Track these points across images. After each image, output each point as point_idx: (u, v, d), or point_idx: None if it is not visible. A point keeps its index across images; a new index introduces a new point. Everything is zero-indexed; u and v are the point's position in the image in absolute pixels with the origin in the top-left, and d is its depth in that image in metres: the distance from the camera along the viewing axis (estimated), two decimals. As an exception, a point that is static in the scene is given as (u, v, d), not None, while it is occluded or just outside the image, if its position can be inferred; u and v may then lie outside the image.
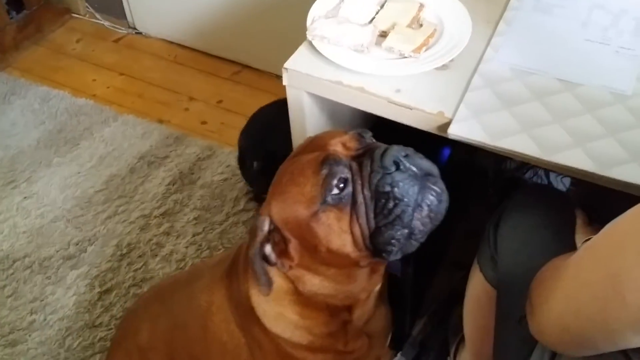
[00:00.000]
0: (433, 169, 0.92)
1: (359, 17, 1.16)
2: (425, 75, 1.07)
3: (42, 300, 1.74)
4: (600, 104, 1.03)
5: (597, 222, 1.09)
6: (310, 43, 1.12)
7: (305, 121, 1.19)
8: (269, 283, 0.95)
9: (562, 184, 1.74)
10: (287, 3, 2.10)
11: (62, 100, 2.34)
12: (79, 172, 2.07)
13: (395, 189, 0.87)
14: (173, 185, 2.01)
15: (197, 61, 2.48)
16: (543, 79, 1.07)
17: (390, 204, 0.87)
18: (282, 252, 0.94)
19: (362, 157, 0.90)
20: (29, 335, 1.67)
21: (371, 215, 0.88)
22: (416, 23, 1.15)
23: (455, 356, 1.47)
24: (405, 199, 0.87)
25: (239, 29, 2.33)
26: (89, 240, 1.88)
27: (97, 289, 1.76)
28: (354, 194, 0.88)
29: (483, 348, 1.21)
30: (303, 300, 1.01)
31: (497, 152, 0.99)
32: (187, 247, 1.84)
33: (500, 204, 1.18)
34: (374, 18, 1.16)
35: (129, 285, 1.76)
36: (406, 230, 0.89)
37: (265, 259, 0.93)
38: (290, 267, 0.96)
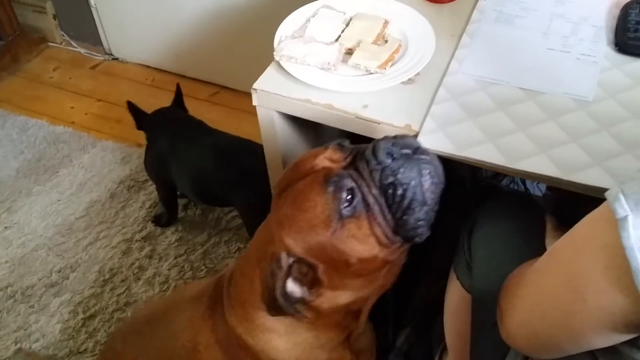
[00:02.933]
0: (415, 142, 0.94)
1: (324, 36, 1.18)
2: (392, 90, 1.10)
3: (25, 330, 1.74)
4: (563, 110, 1.05)
5: (568, 226, 1.11)
6: (278, 63, 1.14)
7: (277, 140, 1.21)
8: (302, 316, 0.95)
9: (538, 189, 1.77)
10: (261, 24, 2.12)
11: (41, 129, 2.34)
12: (59, 200, 2.07)
13: (399, 176, 0.89)
14: (154, 208, 2.02)
15: (174, 84, 2.48)
16: (506, 88, 1.09)
17: (400, 192, 0.89)
18: (313, 280, 0.93)
19: (354, 163, 0.92)
20: (14, 366, 1.66)
21: (386, 210, 0.90)
22: (381, 39, 1.17)
23: (439, 364, 1.49)
24: (412, 182, 0.89)
25: (214, 51, 2.35)
26: (71, 267, 1.88)
27: (81, 315, 1.76)
28: (364, 199, 0.89)
29: (464, 354, 1.23)
30: (320, 321, 1.00)
31: (465, 162, 1.02)
32: (169, 270, 1.85)
33: (474, 212, 1.20)
34: (339, 36, 1.19)
35: (112, 310, 1.76)
36: (425, 207, 0.92)
37: (287, 296, 0.92)
38: (320, 294, 0.95)
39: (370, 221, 0.90)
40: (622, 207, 0.60)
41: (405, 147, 0.91)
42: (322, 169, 0.92)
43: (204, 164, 1.72)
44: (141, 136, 2.27)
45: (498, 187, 1.80)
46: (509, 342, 0.83)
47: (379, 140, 0.92)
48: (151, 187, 2.06)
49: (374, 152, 0.90)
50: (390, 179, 0.89)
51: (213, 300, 1.07)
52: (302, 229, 0.90)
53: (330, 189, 0.88)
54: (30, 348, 1.69)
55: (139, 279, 1.83)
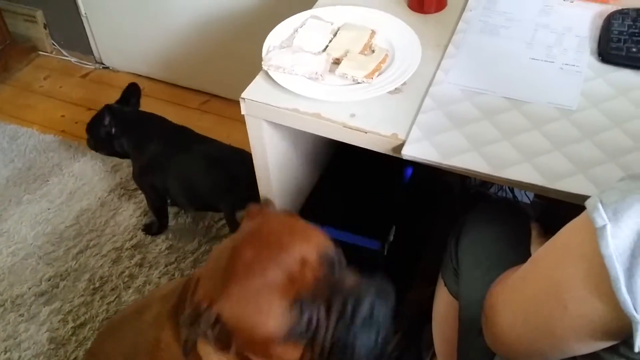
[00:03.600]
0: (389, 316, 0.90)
1: (312, 46, 1.19)
2: (379, 99, 1.11)
3: (15, 339, 1.74)
4: (547, 119, 1.07)
5: (553, 233, 1.12)
6: (267, 72, 1.15)
7: (266, 148, 1.22)
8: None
9: (526, 196, 1.79)
10: (250, 33, 2.14)
11: (31, 138, 2.35)
12: (49, 209, 2.07)
13: (357, 342, 0.86)
14: (144, 216, 2.03)
15: (165, 93, 2.50)
16: (491, 98, 1.11)
17: (347, 354, 0.86)
18: (223, 345, 0.90)
19: (331, 296, 0.86)
20: (3, 375, 1.66)
21: (325, 354, 0.87)
22: (368, 49, 1.19)
23: (428, 371, 1.50)
24: (363, 350, 0.86)
25: (205, 60, 2.37)
26: (60, 275, 1.88)
27: (71, 324, 1.76)
28: (314, 336, 0.86)
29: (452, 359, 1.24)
30: None
31: (450, 170, 1.03)
32: (160, 278, 1.85)
33: (461, 219, 1.22)
34: (327, 46, 1.20)
35: (102, 318, 1.76)
36: None
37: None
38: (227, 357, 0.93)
39: (305, 351, 0.87)
40: (601, 216, 0.61)
41: (381, 316, 0.87)
42: (301, 284, 0.85)
43: (194, 170, 1.75)
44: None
45: (486, 195, 1.82)
46: (494, 348, 0.84)
47: (365, 295, 0.86)
48: (141, 196, 2.07)
49: (354, 309, 0.85)
50: (349, 341, 0.85)
51: (179, 300, 1.06)
52: (244, 314, 0.85)
53: (295, 313, 0.83)
54: (20, 357, 1.69)
55: (129, 287, 1.83)
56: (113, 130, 1.85)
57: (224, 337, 0.87)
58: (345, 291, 0.86)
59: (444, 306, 1.30)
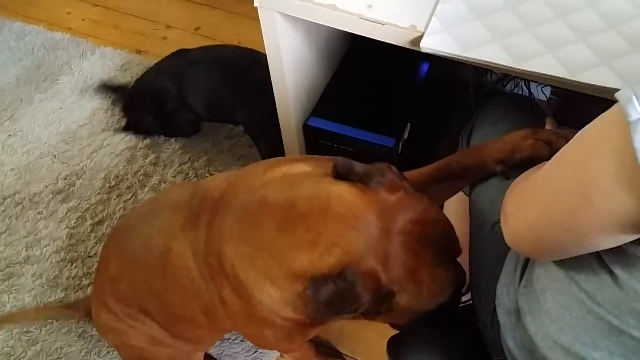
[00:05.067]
0: None
1: None
2: (397, -11, 1.07)
3: (35, 235, 1.78)
4: (571, 9, 1.03)
5: (567, 127, 1.11)
6: (280, -38, 1.11)
7: (280, 45, 1.19)
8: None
9: (543, 94, 1.75)
10: None
11: (38, 36, 2.30)
12: (60, 108, 2.07)
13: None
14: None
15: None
16: (514, -13, 1.06)
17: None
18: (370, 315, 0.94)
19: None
20: (26, 269, 1.71)
21: None
22: None
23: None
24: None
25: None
26: (76, 174, 1.90)
27: (89, 221, 1.79)
28: None
29: (464, 256, 1.26)
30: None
31: (470, 63, 1.00)
32: (174, 177, 1.86)
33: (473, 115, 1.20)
34: None
35: (119, 216, 1.79)
36: None
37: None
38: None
39: None
40: (635, 109, 0.60)
41: None
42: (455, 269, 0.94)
43: (209, 79, 1.74)
44: (141, 43, 2.25)
45: (501, 92, 1.79)
46: (513, 246, 0.84)
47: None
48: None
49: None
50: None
51: (195, 214, 1.05)
52: (423, 298, 0.90)
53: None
54: (41, 253, 1.74)
55: (145, 185, 1.85)
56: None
57: (382, 310, 0.91)
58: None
59: (454, 202, 1.30)
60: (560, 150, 0.74)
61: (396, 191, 0.89)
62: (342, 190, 0.90)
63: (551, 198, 0.73)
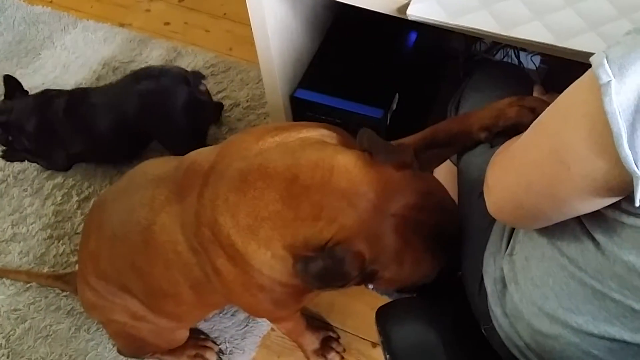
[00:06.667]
0: None
1: None
2: (382, -46, 1.05)
3: (21, 213, 1.76)
4: (560, -26, 1.01)
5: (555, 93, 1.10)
6: None
7: (265, 14, 1.18)
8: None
9: (532, 62, 1.75)
10: None
11: (18, 10, 2.26)
12: (43, 83, 2.03)
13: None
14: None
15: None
16: (502, -49, 1.04)
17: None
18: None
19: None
20: (12, 246, 1.70)
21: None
22: None
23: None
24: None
25: None
26: (61, 151, 1.87)
27: (75, 198, 1.77)
28: None
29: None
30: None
31: (458, 30, 0.99)
32: (161, 153, 1.84)
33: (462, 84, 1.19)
34: None
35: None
36: None
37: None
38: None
39: None
40: (606, 72, 0.59)
41: None
42: (449, 246, 0.96)
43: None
44: (124, 15, 2.21)
45: (491, 61, 1.78)
46: (496, 215, 0.84)
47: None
48: (137, 68, 2.02)
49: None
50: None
51: (182, 187, 1.04)
52: (408, 272, 0.91)
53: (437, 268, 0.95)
54: (27, 230, 1.72)
55: (131, 162, 1.83)
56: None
57: (366, 283, 0.93)
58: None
59: (443, 172, 1.30)
60: (538, 118, 0.74)
61: (402, 169, 0.90)
62: (348, 162, 0.90)
63: (530, 165, 0.74)
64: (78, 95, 1.75)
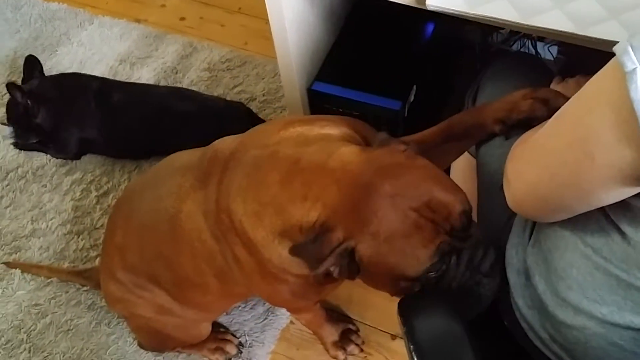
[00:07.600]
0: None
1: None
2: (400, -55, 1.04)
3: (40, 208, 1.77)
4: (580, -38, 1.00)
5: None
6: None
7: (282, 6, 1.17)
8: None
9: (549, 53, 1.73)
10: None
11: (35, 7, 2.27)
12: (61, 80, 2.04)
13: (480, 289, 0.89)
14: (158, 84, 2.00)
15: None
16: (522, -61, 1.03)
17: (470, 296, 0.90)
18: (347, 275, 0.91)
19: (461, 245, 0.87)
20: (32, 242, 1.71)
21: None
22: None
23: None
24: (485, 294, 0.91)
25: None
26: (80, 146, 1.88)
27: (94, 193, 1.78)
28: (439, 279, 0.87)
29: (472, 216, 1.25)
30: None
31: (477, 20, 0.98)
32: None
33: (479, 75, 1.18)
34: None
35: (124, 187, 1.78)
36: None
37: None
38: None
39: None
40: (631, 59, 0.59)
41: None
42: (443, 229, 0.85)
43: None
44: (139, 11, 2.22)
45: (507, 52, 1.77)
46: (516, 209, 0.84)
47: (488, 247, 0.90)
48: (154, 64, 2.03)
49: (481, 260, 0.88)
50: (472, 287, 0.89)
51: (205, 174, 1.04)
52: (389, 253, 0.85)
53: (435, 259, 0.84)
54: (47, 226, 1.73)
55: (149, 157, 1.84)
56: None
57: (352, 269, 0.89)
58: (473, 244, 0.88)
59: (462, 164, 1.29)
60: (560, 109, 0.73)
61: (396, 154, 0.89)
62: (350, 150, 0.90)
63: (552, 157, 0.73)
64: (115, 84, 1.83)
